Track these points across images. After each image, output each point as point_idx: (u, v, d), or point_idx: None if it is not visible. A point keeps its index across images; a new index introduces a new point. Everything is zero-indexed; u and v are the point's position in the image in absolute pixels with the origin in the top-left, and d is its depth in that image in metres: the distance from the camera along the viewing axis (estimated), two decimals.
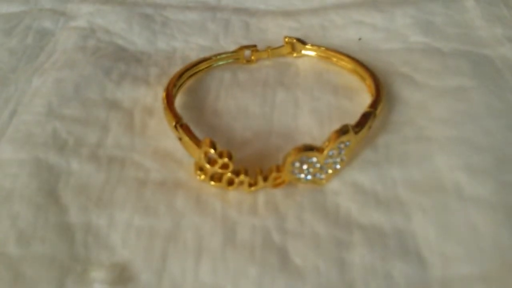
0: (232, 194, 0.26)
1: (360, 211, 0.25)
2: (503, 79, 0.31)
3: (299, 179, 0.26)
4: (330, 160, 0.25)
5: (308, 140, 0.29)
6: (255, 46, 0.35)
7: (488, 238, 0.23)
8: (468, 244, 0.23)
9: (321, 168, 0.26)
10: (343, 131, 0.25)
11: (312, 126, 0.30)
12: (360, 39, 0.36)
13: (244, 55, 0.35)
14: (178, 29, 0.38)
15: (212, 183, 0.26)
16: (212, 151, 0.24)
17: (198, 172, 0.26)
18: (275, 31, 0.38)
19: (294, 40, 0.35)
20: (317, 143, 0.25)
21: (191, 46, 0.37)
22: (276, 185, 0.26)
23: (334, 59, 0.34)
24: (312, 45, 0.35)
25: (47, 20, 0.38)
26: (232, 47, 0.36)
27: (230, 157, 0.25)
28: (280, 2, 0.41)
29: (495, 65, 0.33)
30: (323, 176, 0.26)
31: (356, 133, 0.26)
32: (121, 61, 0.34)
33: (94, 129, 0.29)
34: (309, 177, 0.26)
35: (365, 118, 0.27)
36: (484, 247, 0.23)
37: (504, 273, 0.22)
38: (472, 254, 0.22)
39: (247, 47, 0.35)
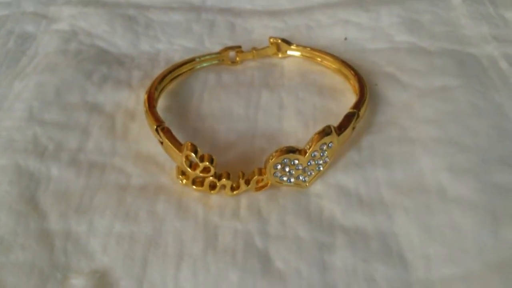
0: (215, 198, 0.26)
1: (343, 214, 0.25)
2: (488, 78, 0.31)
3: (282, 181, 0.25)
4: (313, 162, 0.25)
5: (292, 142, 0.28)
6: (239, 47, 0.34)
7: (470, 238, 0.23)
8: (451, 245, 0.23)
9: (304, 170, 0.25)
10: (326, 132, 0.25)
11: (297, 128, 0.30)
12: (346, 39, 0.36)
13: (229, 56, 0.34)
14: (161, 31, 0.37)
15: (194, 187, 0.26)
16: (193, 155, 0.24)
17: (180, 177, 0.26)
18: (261, 32, 0.38)
19: (279, 41, 0.34)
20: (302, 145, 0.25)
21: (175, 48, 0.36)
22: (259, 189, 0.26)
23: (319, 59, 0.34)
24: (297, 45, 0.35)
25: (29, 24, 0.38)
26: (217, 48, 0.35)
27: (211, 161, 0.24)
28: (266, 2, 0.40)
29: (481, 64, 0.32)
30: (306, 178, 0.26)
31: (339, 134, 0.25)
32: (103, 64, 0.34)
33: (74, 133, 0.29)
34: (292, 179, 0.25)
35: (348, 119, 0.26)
36: (466, 248, 0.22)
37: (485, 273, 0.22)
38: (454, 255, 0.22)
39: (231, 48, 0.34)
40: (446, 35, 0.35)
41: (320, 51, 0.34)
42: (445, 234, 0.23)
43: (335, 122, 0.26)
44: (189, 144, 0.24)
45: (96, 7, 0.38)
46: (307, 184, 0.26)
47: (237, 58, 0.35)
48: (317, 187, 0.26)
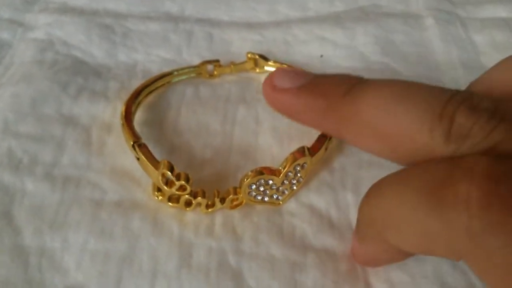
0: (190, 215, 0.26)
1: (314, 234, 0.25)
2: None
3: (256, 200, 0.26)
4: (287, 182, 0.26)
5: (267, 159, 0.29)
6: (218, 61, 0.35)
7: (430, 265, 0.24)
8: (411, 270, 0.24)
9: (278, 189, 0.26)
10: (300, 153, 0.25)
11: (272, 144, 0.30)
12: (322, 56, 0.37)
13: (207, 69, 0.35)
14: (139, 41, 0.37)
15: (170, 204, 0.26)
16: (169, 173, 0.24)
17: (156, 193, 0.26)
18: (239, 44, 0.38)
19: (257, 56, 0.35)
20: (277, 161, 0.26)
21: (153, 59, 0.36)
22: (233, 207, 0.26)
23: None
24: (274, 61, 0.35)
25: (4, 31, 0.37)
26: (195, 60, 0.36)
27: (187, 180, 0.25)
28: (244, 14, 0.41)
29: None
30: (280, 197, 0.26)
31: (312, 155, 0.26)
32: (79, 74, 0.33)
33: (49, 147, 0.29)
34: (266, 198, 0.26)
35: (321, 140, 0.27)
36: (426, 274, 0.24)
37: None
38: (415, 280, 0.23)
39: (210, 62, 0.35)
40: (417, 57, 0.36)
41: (297, 68, 0.34)
42: (407, 260, 0.24)
43: (309, 139, 0.27)
44: (166, 162, 0.25)
45: (72, 16, 0.38)
46: (281, 202, 0.27)
47: (215, 72, 0.35)
48: (291, 205, 0.27)
